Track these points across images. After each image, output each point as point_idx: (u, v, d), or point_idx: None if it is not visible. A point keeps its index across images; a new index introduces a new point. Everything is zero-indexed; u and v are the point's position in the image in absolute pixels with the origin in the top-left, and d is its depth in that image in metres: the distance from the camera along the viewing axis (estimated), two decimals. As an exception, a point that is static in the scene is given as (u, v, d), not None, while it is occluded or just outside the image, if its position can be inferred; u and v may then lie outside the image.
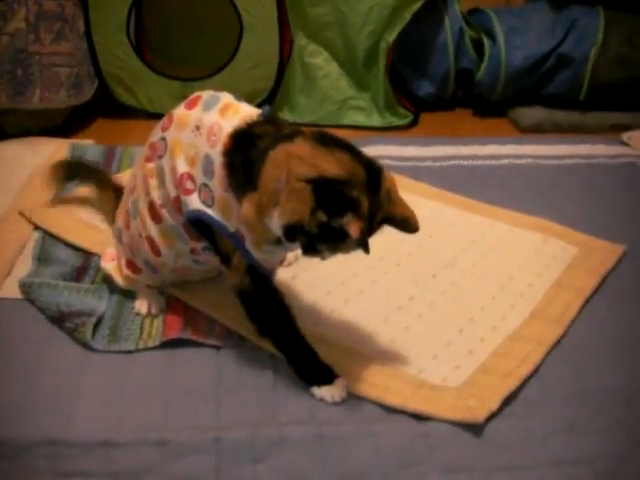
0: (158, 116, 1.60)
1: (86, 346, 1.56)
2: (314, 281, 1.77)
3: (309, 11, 2.75)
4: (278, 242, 1.37)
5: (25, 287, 1.71)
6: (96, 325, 1.61)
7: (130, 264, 1.67)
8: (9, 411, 1.41)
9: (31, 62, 2.48)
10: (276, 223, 1.31)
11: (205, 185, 1.40)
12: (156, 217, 1.54)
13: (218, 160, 1.38)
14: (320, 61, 2.83)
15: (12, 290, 1.74)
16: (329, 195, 1.26)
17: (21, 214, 2.02)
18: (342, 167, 1.28)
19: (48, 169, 1.96)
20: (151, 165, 1.53)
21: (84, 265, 1.83)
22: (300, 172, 1.27)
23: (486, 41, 2.87)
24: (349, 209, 1.26)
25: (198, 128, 1.43)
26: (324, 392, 1.45)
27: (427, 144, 2.56)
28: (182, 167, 1.44)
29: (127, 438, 1.34)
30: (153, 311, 1.65)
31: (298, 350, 1.49)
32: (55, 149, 2.42)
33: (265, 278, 1.46)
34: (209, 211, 1.40)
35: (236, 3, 2.65)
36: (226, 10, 2.68)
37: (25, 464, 1.32)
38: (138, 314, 1.65)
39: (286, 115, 2.83)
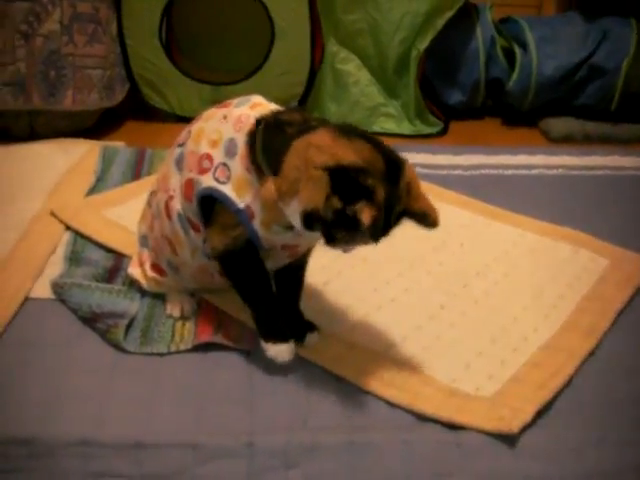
0: (188, 120, 1.61)
1: (118, 347, 1.56)
2: (346, 288, 1.77)
3: (341, 18, 2.76)
4: (290, 227, 1.38)
5: (57, 287, 1.72)
6: (128, 327, 1.61)
7: (155, 267, 1.68)
8: (41, 410, 1.40)
9: (64, 64, 2.50)
10: (295, 211, 1.31)
11: (224, 164, 1.41)
12: (170, 213, 1.55)
13: (242, 140, 1.39)
14: (351, 68, 2.83)
15: (44, 290, 1.74)
16: (344, 182, 1.26)
17: (53, 214, 2.03)
18: (359, 156, 1.27)
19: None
20: (171, 158, 1.56)
21: (116, 266, 1.83)
22: (318, 160, 1.28)
23: (517, 50, 2.86)
24: (363, 197, 1.26)
25: (225, 117, 1.46)
26: (277, 349, 1.47)
27: (458, 153, 2.55)
28: (203, 149, 1.45)
29: (159, 440, 1.34)
30: (185, 313, 1.65)
31: (268, 308, 1.49)
32: (87, 150, 2.43)
33: (256, 248, 1.45)
34: (220, 187, 1.41)
35: (268, 8, 2.66)
36: (258, 15, 2.69)
37: (56, 464, 1.32)
38: (171, 316, 1.65)
39: (316, 121, 2.83)
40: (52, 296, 1.72)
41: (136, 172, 2.34)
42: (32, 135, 2.55)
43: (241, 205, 1.39)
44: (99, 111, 2.67)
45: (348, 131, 1.33)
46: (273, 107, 1.47)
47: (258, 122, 1.40)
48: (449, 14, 2.73)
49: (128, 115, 2.84)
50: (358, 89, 2.84)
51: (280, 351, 1.48)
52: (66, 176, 2.27)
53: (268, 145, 1.36)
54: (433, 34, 2.75)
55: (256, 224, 1.40)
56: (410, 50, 2.79)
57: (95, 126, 2.69)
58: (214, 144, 1.44)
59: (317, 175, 1.27)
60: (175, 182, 1.53)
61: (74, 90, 2.52)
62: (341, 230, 1.30)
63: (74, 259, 1.85)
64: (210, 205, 1.45)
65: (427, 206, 1.36)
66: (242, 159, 1.39)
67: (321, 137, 1.32)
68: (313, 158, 1.28)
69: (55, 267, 1.82)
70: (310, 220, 1.30)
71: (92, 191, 2.21)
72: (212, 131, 1.46)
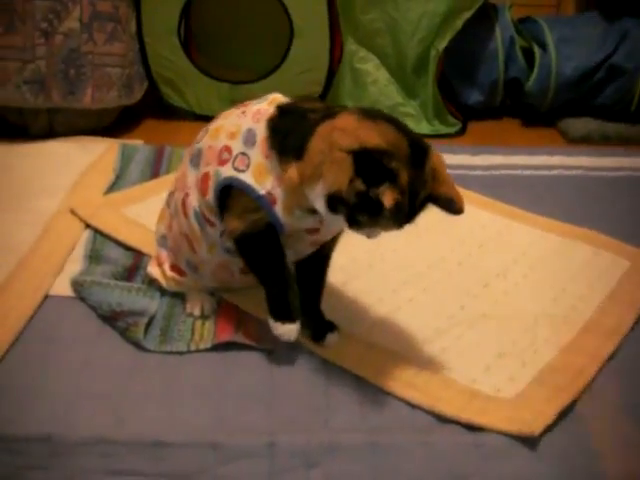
0: (206, 118, 1.62)
1: (138, 346, 1.56)
2: (365, 288, 1.76)
3: (360, 17, 2.75)
4: (312, 211, 1.38)
5: (77, 285, 1.72)
6: (147, 325, 1.61)
7: (174, 267, 1.68)
8: (60, 408, 1.41)
9: (84, 62, 2.51)
10: (318, 195, 1.32)
11: (243, 153, 1.42)
12: (186, 211, 1.56)
13: (262, 128, 1.40)
14: (369, 67, 2.83)
15: (63, 288, 1.75)
16: (368, 165, 1.26)
17: (72, 212, 2.03)
18: (384, 139, 1.27)
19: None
20: (188, 156, 1.57)
21: (135, 265, 1.83)
22: (342, 143, 1.28)
23: (537, 50, 2.85)
24: (387, 180, 1.26)
25: (244, 112, 1.48)
26: (284, 328, 1.47)
27: (476, 153, 2.55)
28: (221, 142, 1.47)
29: (179, 439, 1.34)
30: (206, 312, 1.65)
31: (281, 288, 1.48)
32: (106, 148, 2.45)
33: (276, 230, 1.44)
34: (240, 176, 1.41)
35: (287, 7, 2.65)
36: (277, 14, 2.69)
37: (75, 462, 1.32)
38: (191, 315, 1.65)
39: (334, 120, 2.83)
40: (72, 294, 1.73)
41: (155, 170, 2.35)
42: (51, 133, 2.56)
43: (262, 192, 1.39)
44: (118, 109, 2.68)
45: (373, 114, 1.34)
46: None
47: (279, 109, 1.41)
48: (468, 14, 2.72)
49: (147, 113, 2.84)
50: (377, 88, 2.83)
51: (287, 330, 1.48)
52: (85, 174, 2.28)
53: (290, 130, 1.37)
54: (452, 34, 2.74)
55: (278, 210, 1.40)
56: (429, 50, 2.78)
57: (114, 124, 2.69)
58: (232, 136, 1.45)
59: (341, 157, 1.28)
60: (191, 179, 1.54)
61: (93, 88, 2.53)
62: (364, 214, 1.30)
63: (94, 257, 1.86)
64: (228, 196, 1.46)
65: (453, 192, 1.35)
66: (261, 146, 1.40)
67: (345, 120, 1.32)
68: (338, 141, 1.29)
69: (75, 265, 1.83)
70: (334, 203, 1.30)
71: (111, 189, 2.22)
72: (230, 125, 1.47)
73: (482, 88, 2.92)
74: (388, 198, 1.25)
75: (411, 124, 2.82)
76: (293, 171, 1.35)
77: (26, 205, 2.09)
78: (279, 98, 1.50)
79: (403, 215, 1.30)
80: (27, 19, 2.41)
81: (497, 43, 2.86)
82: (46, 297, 1.72)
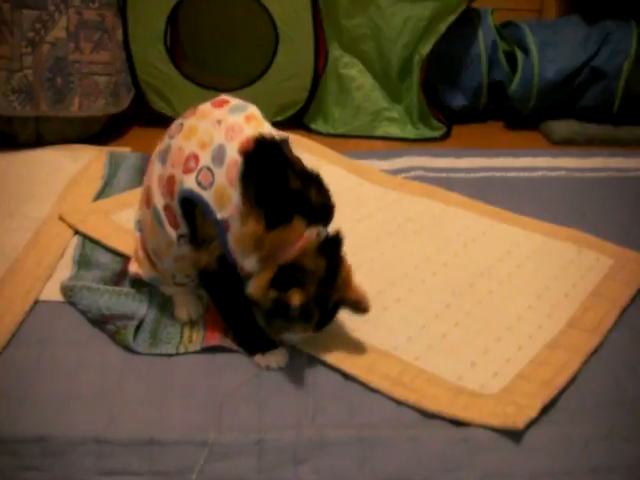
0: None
1: (127, 349, 1.58)
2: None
3: (344, 23, 2.78)
4: None
5: (66, 290, 1.74)
6: (137, 328, 1.63)
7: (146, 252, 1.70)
8: (53, 409, 1.42)
9: (71, 71, 2.52)
10: (252, 265, 1.44)
11: (208, 169, 1.44)
12: (148, 202, 1.59)
13: (233, 154, 1.42)
14: (354, 72, 2.86)
15: (53, 293, 1.76)
16: (284, 276, 1.41)
17: (61, 219, 2.05)
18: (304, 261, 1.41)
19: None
20: (158, 149, 1.60)
21: (124, 270, 1.84)
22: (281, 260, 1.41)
23: (519, 54, 2.87)
24: (295, 285, 1.38)
25: (219, 122, 1.48)
26: (268, 358, 1.53)
27: (461, 156, 2.57)
28: (191, 147, 1.48)
29: (171, 438, 1.36)
30: (193, 316, 1.66)
31: (248, 325, 1.53)
32: (94, 156, 2.46)
33: (231, 266, 1.48)
34: (202, 193, 1.44)
35: (272, 14, 2.68)
36: (262, 21, 2.71)
37: (70, 461, 1.34)
38: (180, 320, 1.67)
39: (320, 126, 2.87)
40: (62, 299, 1.74)
41: (143, 177, 2.34)
42: (39, 142, 2.57)
43: (219, 216, 1.43)
44: (105, 117, 2.69)
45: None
46: (266, 126, 1.50)
47: (258, 144, 1.43)
48: (451, 18, 2.74)
49: (134, 121, 2.85)
50: (361, 94, 2.86)
51: (273, 359, 1.53)
52: (74, 181, 2.29)
53: (264, 179, 1.42)
54: (435, 38, 2.76)
55: (230, 239, 1.44)
56: (413, 55, 2.80)
57: (102, 132, 2.71)
58: (203, 145, 1.46)
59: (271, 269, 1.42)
60: (156, 172, 1.57)
61: (81, 96, 2.55)
62: (278, 317, 1.44)
63: (83, 262, 1.87)
64: (190, 207, 1.48)
65: (360, 295, 1.50)
66: (229, 172, 1.42)
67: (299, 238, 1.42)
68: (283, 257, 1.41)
69: (64, 270, 1.84)
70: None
71: (100, 196, 2.23)
72: (204, 132, 1.48)
73: (466, 92, 2.95)
74: (295, 299, 1.37)
75: (396, 129, 2.87)
76: (256, 227, 1.40)
77: (16, 212, 2.10)
78: (255, 115, 1.51)
79: (312, 318, 1.44)
80: (14, 29, 2.42)
81: (480, 47, 2.88)
82: (36, 302, 1.73)
